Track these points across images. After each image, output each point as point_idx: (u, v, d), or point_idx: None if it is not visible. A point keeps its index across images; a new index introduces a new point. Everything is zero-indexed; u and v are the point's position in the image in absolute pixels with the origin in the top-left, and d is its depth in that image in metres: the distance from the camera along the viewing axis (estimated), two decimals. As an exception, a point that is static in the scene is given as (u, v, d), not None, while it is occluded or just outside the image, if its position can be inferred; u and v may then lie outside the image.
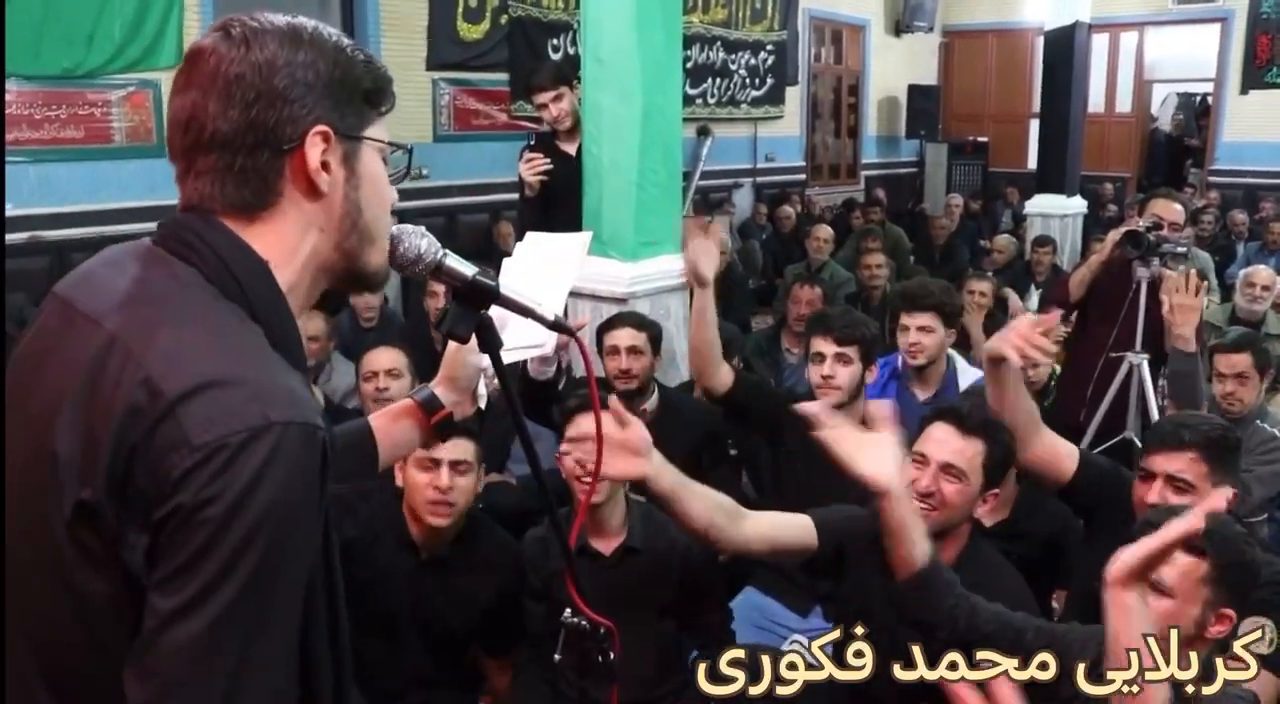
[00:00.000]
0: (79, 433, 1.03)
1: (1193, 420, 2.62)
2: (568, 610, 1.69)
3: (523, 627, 2.88)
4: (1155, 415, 4.13)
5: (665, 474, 2.06)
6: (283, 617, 1.03)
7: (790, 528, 2.41)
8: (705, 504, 2.16)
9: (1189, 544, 1.82)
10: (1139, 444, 3.68)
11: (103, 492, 1.00)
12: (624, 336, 3.65)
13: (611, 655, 1.67)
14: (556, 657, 1.78)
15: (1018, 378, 2.58)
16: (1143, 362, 4.29)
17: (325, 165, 1.15)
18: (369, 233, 1.22)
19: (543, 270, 1.67)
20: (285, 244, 1.16)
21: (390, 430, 1.68)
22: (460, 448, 2.66)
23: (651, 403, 3.69)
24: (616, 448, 1.91)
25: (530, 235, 1.91)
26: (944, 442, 2.44)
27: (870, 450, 2.09)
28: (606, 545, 2.84)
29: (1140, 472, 2.53)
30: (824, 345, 3.26)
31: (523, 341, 1.64)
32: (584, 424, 2.71)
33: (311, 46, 1.14)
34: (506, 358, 1.53)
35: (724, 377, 3.34)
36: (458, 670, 2.92)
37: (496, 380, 1.95)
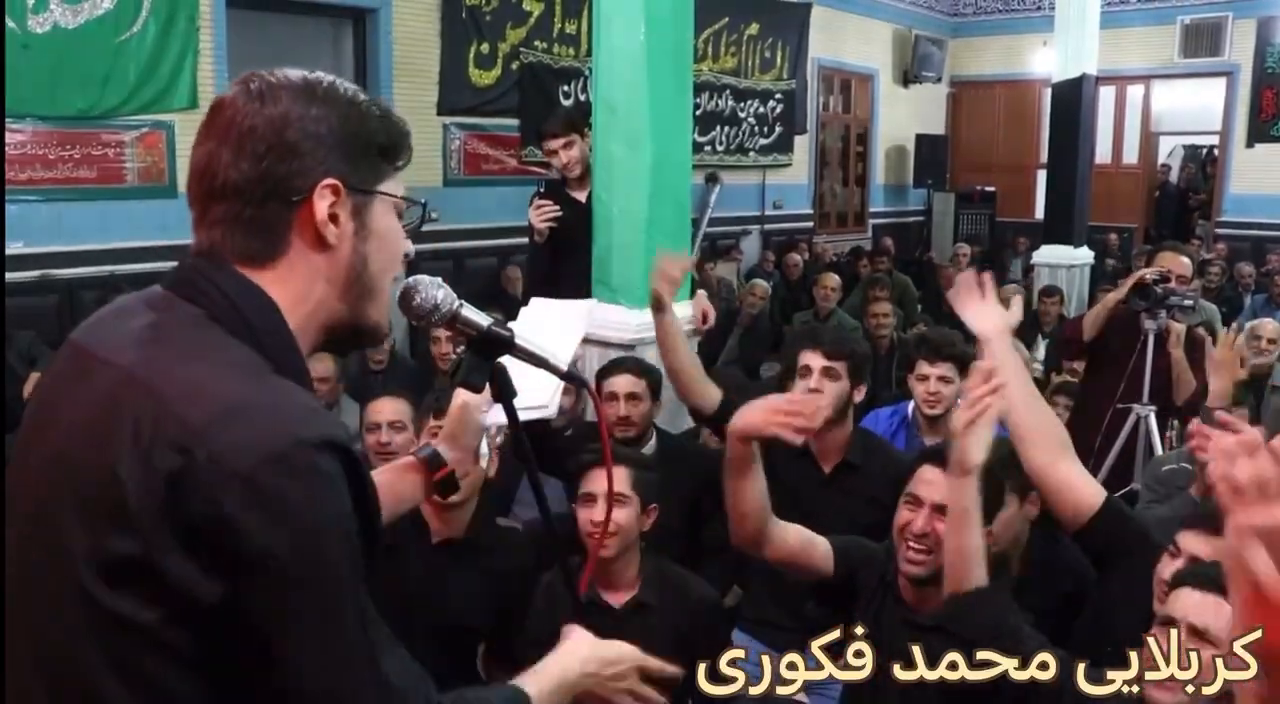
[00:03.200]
0: (101, 468, 1.04)
1: None
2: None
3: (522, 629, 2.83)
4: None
5: (755, 444, 2.31)
6: (358, 614, 1.10)
7: (813, 545, 2.52)
8: (762, 489, 2.38)
9: None
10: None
11: (136, 523, 1.01)
12: (623, 383, 3.63)
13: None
14: None
15: (1019, 373, 2.55)
16: (1149, 413, 4.29)
17: (334, 218, 1.17)
18: (371, 287, 1.24)
19: (548, 332, 1.68)
20: (293, 293, 1.18)
21: (394, 486, 1.68)
22: None
23: (650, 448, 3.67)
24: (774, 412, 2.23)
25: (535, 301, 1.92)
26: (935, 484, 2.43)
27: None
28: (617, 598, 2.82)
29: (1170, 547, 2.35)
30: (811, 358, 3.21)
31: (525, 403, 1.64)
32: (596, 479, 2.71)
33: (324, 101, 1.17)
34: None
35: (710, 395, 3.34)
36: (465, 677, 2.87)
37: (500, 437, 1.96)
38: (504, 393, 1.47)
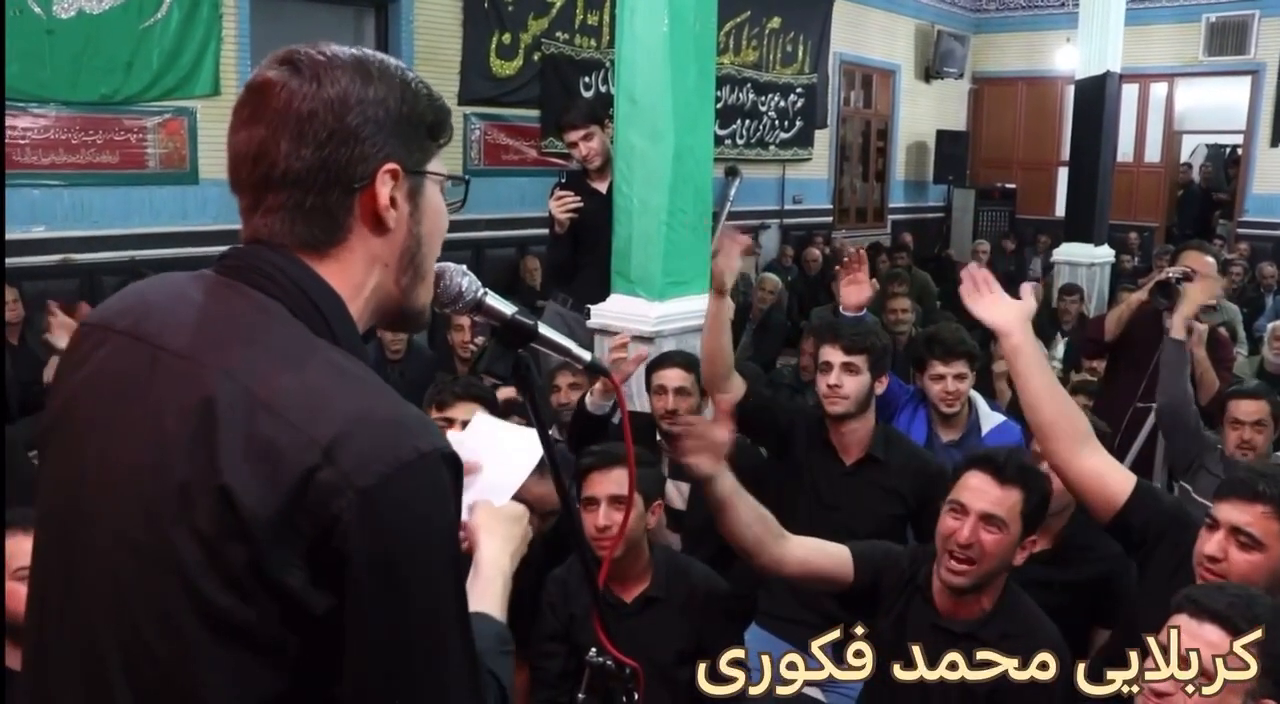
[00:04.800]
0: (209, 480, 1.01)
1: (1274, 471, 2.34)
2: (593, 649, 1.67)
3: (534, 624, 2.83)
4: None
5: (727, 479, 2.20)
6: (464, 627, 1.11)
7: (828, 556, 2.45)
8: (756, 515, 2.29)
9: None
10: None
11: (251, 534, 0.99)
12: (673, 376, 3.63)
13: (636, 696, 1.65)
14: (580, 696, 1.77)
15: (1040, 365, 2.48)
16: (1170, 412, 4.27)
17: (393, 201, 1.15)
18: (421, 269, 1.23)
19: (495, 459, 1.59)
20: (352, 280, 1.16)
21: None
22: (467, 410, 2.65)
23: None
24: (704, 443, 2.07)
25: (480, 417, 1.82)
26: (982, 491, 2.37)
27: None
28: (628, 593, 2.82)
29: (1207, 519, 2.29)
30: (832, 354, 3.23)
31: (510, 471, 1.55)
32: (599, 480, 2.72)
33: (382, 82, 1.14)
34: (506, 493, 1.51)
35: (736, 386, 3.33)
36: None
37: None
38: (527, 383, 1.47)
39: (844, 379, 3.19)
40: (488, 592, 1.36)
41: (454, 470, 1.08)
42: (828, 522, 2.98)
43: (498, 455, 1.52)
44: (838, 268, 4.53)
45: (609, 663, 1.64)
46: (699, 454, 2.09)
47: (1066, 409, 2.44)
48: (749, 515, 2.27)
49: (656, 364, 3.75)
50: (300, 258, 1.13)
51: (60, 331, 3.58)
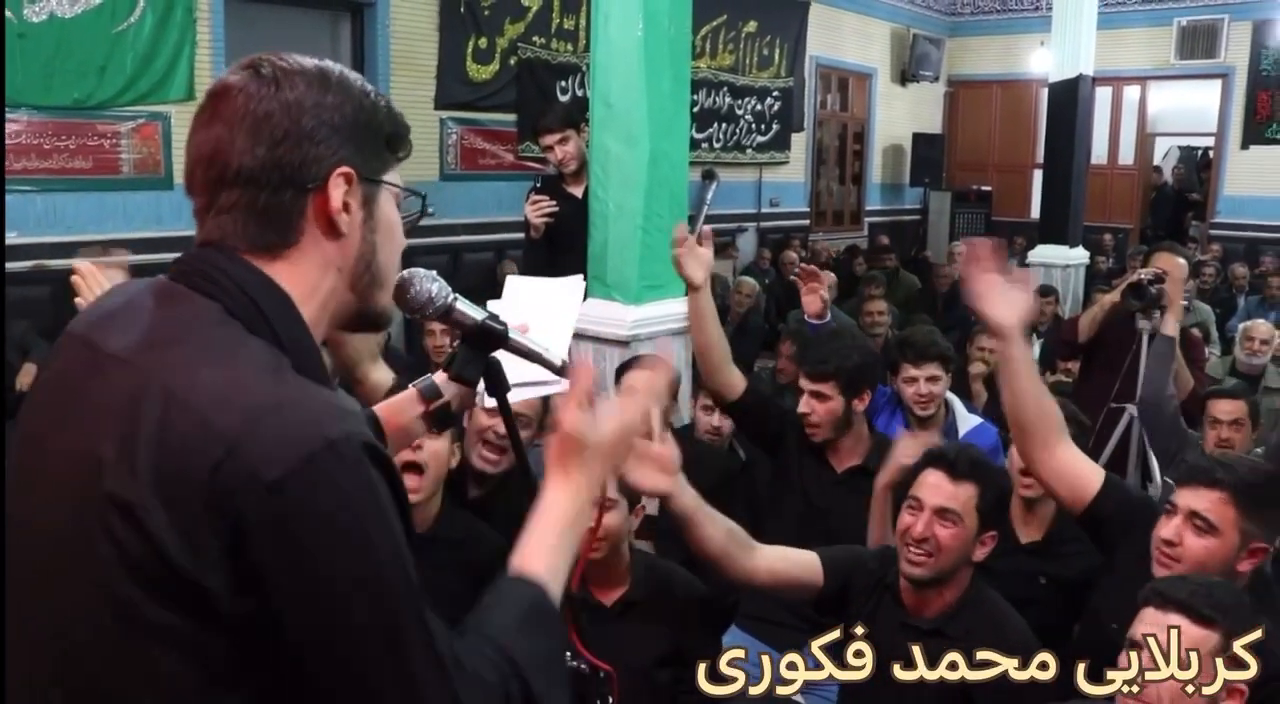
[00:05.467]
0: (126, 475, 1.01)
1: (1236, 461, 2.44)
2: (567, 654, 1.67)
3: None
4: (1155, 467, 4.17)
5: (687, 494, 2.12)
6: (416, 611, 1.06)
7: (797, 563, 2.45)
8: (721, 529, 2.24)
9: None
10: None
11: (166, 534, 0.99)
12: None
13: (611, 700, 1.66)
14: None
15: (1031, 367, 2.51)
16: (1144, 413, 4.30)
17: (346, 206, 1.16)
18: (380, 275, 1.23)
19: (540, 317, 1.62)
20: (305, 282, 1.17)
21: (397, 420, 1.66)
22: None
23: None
24: (648, 461, 1.92)
25: (513, 279, 1.84)
26: (937, 487, 2.44)
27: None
28: (608, 596, 2.80)
29: (1167, 506, 2.36)
30: (802, 381, 3.24)
31: (530, 378, 1.60)
32: None
33: (339, 90, 1.16)
34: (515, 396, 1.53)
35: (735, 380, 3.30)
36: None
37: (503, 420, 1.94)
38: (497, 387, 1.47)
39: (813, 406, 3.20)
40: (540, 548, 1.24)
41: (375, 458, 1.05)
42: (817, 525, 2.99)
43: (542, 308, 1.55)
44: (792, 277, 4.56)
45: (583, 667, 1.65)
46: (647, 474, 1.97)
47: (1047, 407, 2.49)
48: (713, 529, 2.23)
49: (626, 366, 3.73)
50: (248, 259, 1.14)
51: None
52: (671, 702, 2.96)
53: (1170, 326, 4.21)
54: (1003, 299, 2.39)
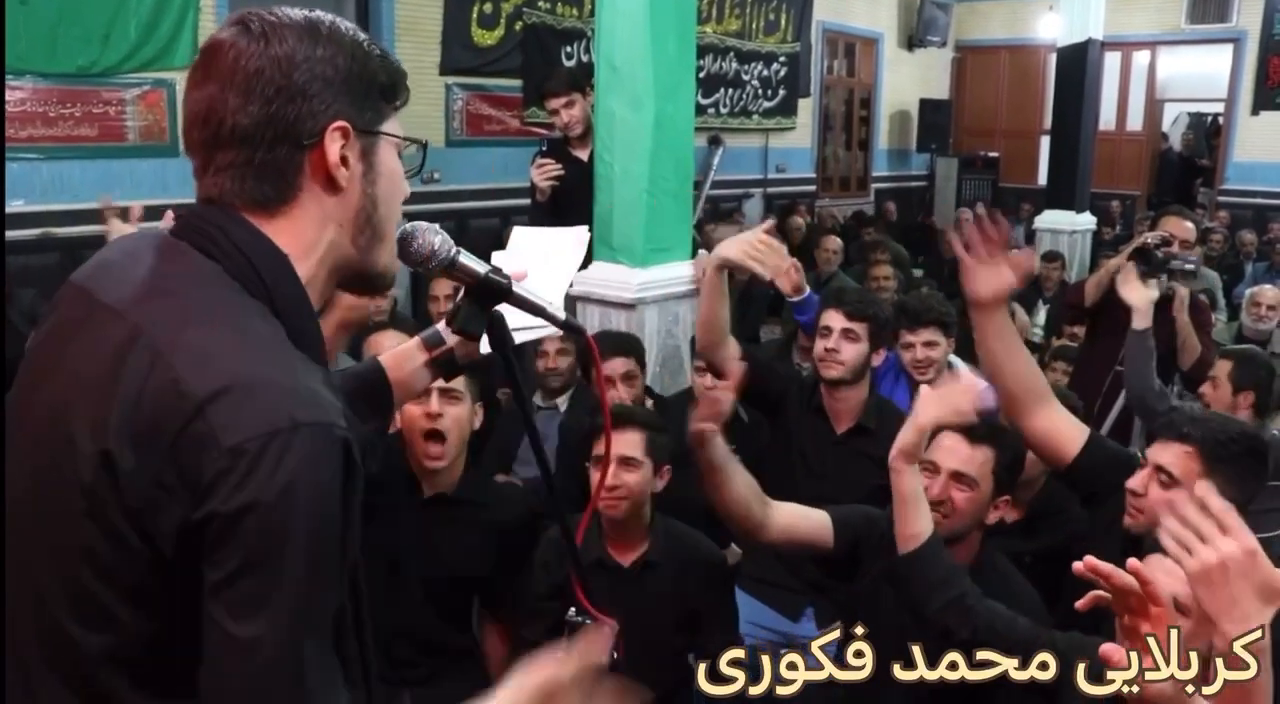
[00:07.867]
0: (102, 422, 1.03)
1: (1208, 417, 2.49)
2: (572, 609, 1.69)
3: (525, 587, 2.84)
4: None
5: (721, 444, 2.25)
6: (326, 615, 1.06)
7: (809, 522, 2.48)
8: (746, 482, 2.33)
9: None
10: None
11: (133, 483, 1.01)
12: (618, 365, 3.62)
13: (615, 655, 1.67)
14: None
15: (1003, 337, 2.51)
16: (1148, 376, 4.29)
17: (344, 160, 1.16)
18: (380, 230, 1.23)
19: (541, 266, 1.63)
20: (304, 239, 1.17)
21: (402, 370, 1.66)
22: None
23: None
24: (707, 398, 2.15)
25: (519, 230, 1.84)
26: (953, 450, 2.44)
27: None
28: (626, 557, 2.82)
29: (1142, 459, 2.43)
30: (833, 319, 3.22)
31: (523, 323, 1.60)
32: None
33: (330, 41, 1.15)
34: (518, 338, 1.53)
35: (732, 352, 3.29)
36: (458, 627, 2.88)
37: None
38: (500, 342, 1.47)
39: (842, 345, 3.19)
40: None
41: (341, 451, 1.05)
42: (814, 489, 3.00)
43: (544, 257, 1.57)
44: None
45: (588, 622, 1.66)
46: (704, 409, 2.17)
47: (1028, 369, 2.53)
48: (740, 483, 2.31)
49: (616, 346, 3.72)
50: (247, 218, 1.14)
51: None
52: (685, 668, 2.98)
53: (1140, 320, 4.04)
54: (987, 273, 2.42)
